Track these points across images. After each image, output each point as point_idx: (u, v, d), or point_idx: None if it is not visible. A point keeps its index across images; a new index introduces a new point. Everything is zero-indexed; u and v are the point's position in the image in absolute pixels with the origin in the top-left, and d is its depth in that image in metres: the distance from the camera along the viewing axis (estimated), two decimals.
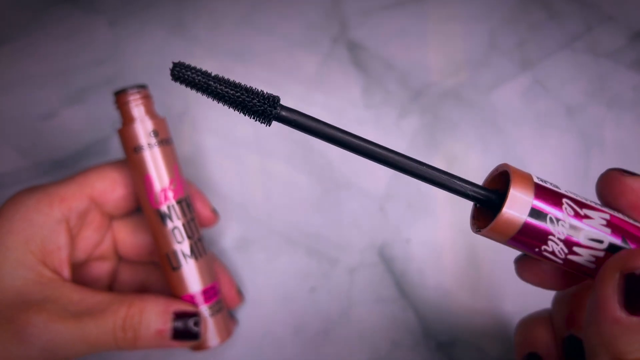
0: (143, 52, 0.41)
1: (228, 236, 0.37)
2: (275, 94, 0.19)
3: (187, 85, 0.18)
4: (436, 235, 0.37)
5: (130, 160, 0.29)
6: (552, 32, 0.42)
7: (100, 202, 0.30)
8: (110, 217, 0.32)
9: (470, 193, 0.20)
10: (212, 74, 0.18)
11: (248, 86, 0.18)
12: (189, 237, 0.29)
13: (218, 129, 0.39)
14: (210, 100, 0.18)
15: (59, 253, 0.28)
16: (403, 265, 0.36)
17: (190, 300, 0.29)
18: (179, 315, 0.28)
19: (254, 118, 0.18)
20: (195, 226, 0.30)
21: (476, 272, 0.36)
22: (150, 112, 0.29)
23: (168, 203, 0.29)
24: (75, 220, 0.29)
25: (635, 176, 0.20)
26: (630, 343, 0.17)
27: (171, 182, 0.29)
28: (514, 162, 0.38)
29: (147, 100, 0.29)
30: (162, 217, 0.29)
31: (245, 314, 0.35)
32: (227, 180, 0.38)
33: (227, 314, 0.32)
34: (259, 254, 0.37)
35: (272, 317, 0.35)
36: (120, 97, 0.29)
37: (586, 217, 0.19)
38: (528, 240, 0.19)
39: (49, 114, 0.39)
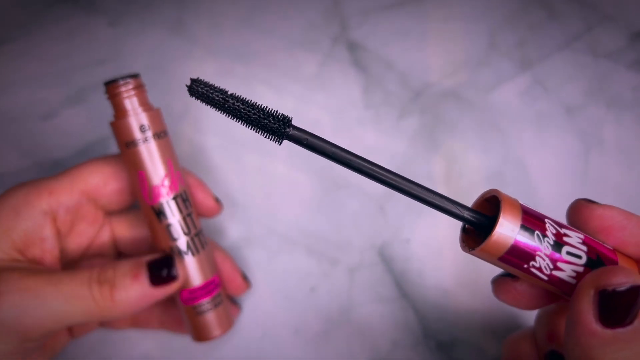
0: (143, 52, 0.41)
1: (228, 236, 0.37)
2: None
3: (203, 101, 0.18)
4: (436, 235, 0.37)
5: (124, 155, 0.28)
6: (551, 32, 0.42)
7: (94, 197, 0.30)
8: (107, 212, 0.31)
9: (466, 216, 0.21)
10: (229, 92, 0.19)
11: (262, 106, 0.19)
12: (185, 234, 0.29)
13: (218, 129, 0.39)
14: None
15: (42, 244, 0.28)
16: (403, 265, 0.36)
17: (189, 295, 0.29)
18: (153, 262, 0.27)
19: (266, 136, 0.19)
20: (193, 221, 0.29)
21: (476, 272, 0.36)
22: (144, 104, 0.28)
23: (162, 199, 0.28)
24: (64, 214, 0.29)
25: (599, 204, 0.23)
26: (606, 353, 0.19)
27: (165, 177, 0.28)
28: (513, 162, 0.39)
29: (139, 90, 0.28)
30: (158, 214, 0.28)
31: (245, 314, 0.35)
32: (227, 180, 0.38)
33: (228, 305, 0.31)
34: (259, 253, 0.37)
35: (272, 317, 0.35)
36: (111, 88, 0.27)
37: (565, 235, 0.21)
38: (516, 259, 0.21)
39: (49, 114, 0.39)
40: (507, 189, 0.38)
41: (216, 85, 0.18)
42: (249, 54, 0.41)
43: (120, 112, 0.28)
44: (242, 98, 0.19)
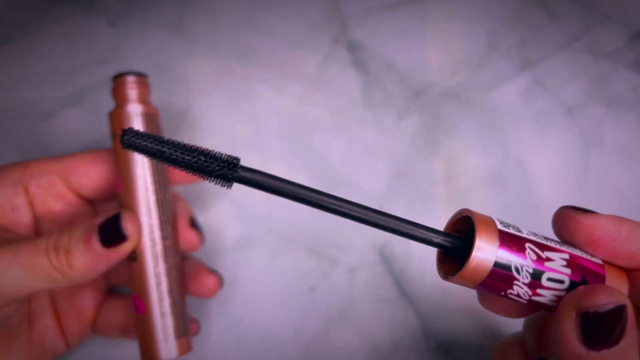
0: (143, 53, 0.41)
1: (228, 236, 0.37)
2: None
3: (139, 152, 0.17)
4: None
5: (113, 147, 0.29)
6: (551, 32, 0.42)
7: (66, 177, 0.30)
8: (85, 198, 0.31)
9: (435, 241, 0.20)
10: (166, 139, 0.17)
11: (205, 150, 0.18)
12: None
13: (218, 129, 0.39)
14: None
15: (14, 213, 0.28)
16: (403, 265, 0.36)
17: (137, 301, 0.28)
18: (103, 223, 0.27)
19: (214, 182, 0.18)
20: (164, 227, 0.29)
21: None
22: (144, 100, 0.29)
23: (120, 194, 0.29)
24: (35, 187, 0.29)
25: (587, 213, 0.21)
26: None
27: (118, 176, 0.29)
28: (513, 162, 0.39)
29: (142, 85, 0.29)
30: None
31: (245, 314, 0.35)
32: None
33: (153, 332, 0.28)
34: (259, 253, 0.37)
35: (272, 317, 0.35)
36: (117, 80, 0.29)
37: (548, 259, 0.20)
38: (495, 285, 0.20)
39: (49, 114, 0.39)
40: (507, 189, 0.38)
41: (152, 134, 0.17)
42: (249, 54, 0.41)
43: (119, 103, 0.29)
44: (182, 144, 0.17)
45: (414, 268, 0.36)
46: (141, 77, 0.29)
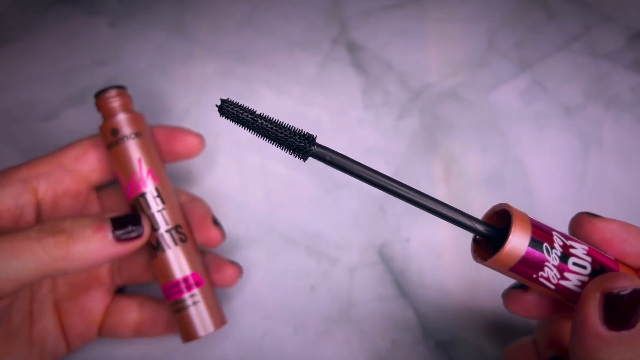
0: (144, 53, 0.41)
1: (228, 236, 0.37)
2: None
3: (233, 120, 0.20)
4: (436, 235, 0.37)
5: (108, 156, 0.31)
6: (551, 33, 0.42)
7: (75, 167, 0.30)
8: (93, 185, 0.32)
9: (479, 229, 0.22)
10: (257, 112, 0.20)
11: (289, 125, 0.20)
12: (155, 229, 0.30)
13: (219, 129, 0.39)
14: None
15: (17, 211, 0.28)
16: (403, 264, 0.36)
17: (168, 291, 0.30)
18: (117, 217, 0.27)
19: (291, 153, 0.20)
20: (165, 216, 0.30)
21: (476, 271, 0.36)
22: (110, 113, 0.30)
23: (134, 196, 0.30)
24: (46, 186, 0.29)
25: (600, 218, 0.24)
26: (612, 354, 0.20)
27: (133, 176, 0.30)
28: (512, 162, 0.39)
29: (106, 101, 0.31)
30: (134, 210, 0.30)
31: (245, 314, 0.35)
32: (227, 180, 0.38)
33: (214, 303, 0.31)
34: (259, 253, 0.37)
35: (272, 317, 0.35)
36: (97, 99, 0.31)
37: (572, 247, 0.22)
38: (526, 269, 0.22)
39: (49, 114, 0.39)
40: (506, 189, 0.38)
41: (245, 105, 0.20)
42: (249, 54, 0.41)
43: (106, 116, 0.31)
44: (270, 118, 0.20)
45: (413, 268, 0.36)
46: (120, 89, 0.31)
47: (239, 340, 0.35)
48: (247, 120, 0.20)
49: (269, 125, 0.20)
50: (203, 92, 0.40)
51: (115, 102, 0.31)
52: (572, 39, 0.42)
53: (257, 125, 0.20)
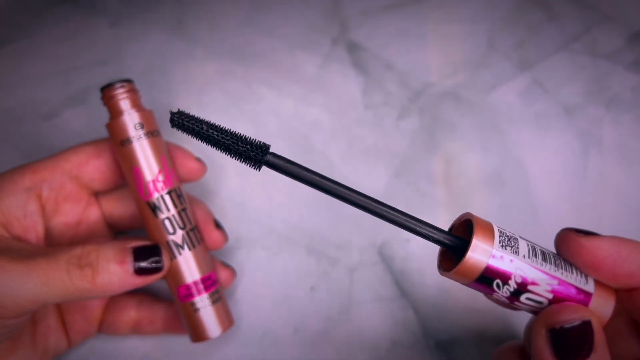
0: (144, 53, 0.41)
1: (228, 236, 0.37)
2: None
3: (184, 131, 0.19)
4: None
5: (119, 154, 0.29)
6: (550, 33, 0.42)
7: (76, 174, 0.30)
8: (92, 191, 0.32)
9: (440, 239, 0.22)
10: (209, 122, 0.19)
11: (242, 134, 0.20)
12: (181, 228, 0.29)
13: None
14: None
15: (26, 220, 0.28)
16: (403, 264, 0.36)
17: (186, 291, 0.30)
18: (138, 249, 0.27)
19: (245, 163, 0.20)
20: (187, 216, 0.30)
21: None
22: (137, 105, 0.29)
23: (157, 194, 0.29)
24: (48, 191, 0.29)
25: (588, 236, 0.22)
26: None
27: (159, 173, 0.29)
28: (512, 163, 0.39)
29: (133, 93, 0.29)
30: (153, 209, 0.29)
31: (245, 314, 0.35)
32: (227, 180, 0.38)
33: (225, 303, 0.32)
34: (259, 253, 0.37)
35: (272, 317, 0.35)
36: (106, 92, 0.29)
37: (533, 283, 0.21)
38: (481, 288, 0.22)
39: (49, 114, 0.39)
40: (506, 189, 0.38)
41: (195, 115, 0.19)
42: (249, 54, 0.41)
43: (115, 113, 0.29)
44: (222, 128, 0.20)
45: (413, 268, 0.36)
46: (128, 83, 0.29)
47: (239, 341, 0.35)
48: (197, 130, 0.19)
49: (221, 135, 0.20)
50: (203, 92, 0.40)
51: (134, 96, 0.29)
52: (572, 39, 0.42)
53: (208, 136, 0.19)
